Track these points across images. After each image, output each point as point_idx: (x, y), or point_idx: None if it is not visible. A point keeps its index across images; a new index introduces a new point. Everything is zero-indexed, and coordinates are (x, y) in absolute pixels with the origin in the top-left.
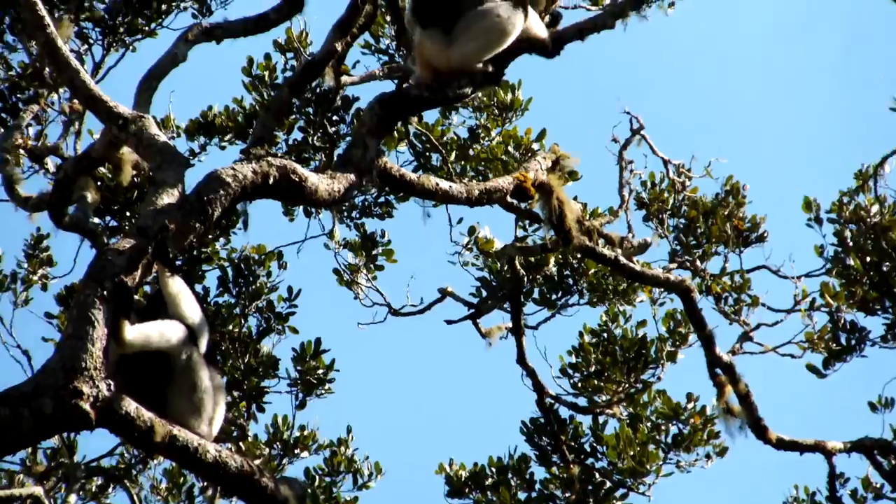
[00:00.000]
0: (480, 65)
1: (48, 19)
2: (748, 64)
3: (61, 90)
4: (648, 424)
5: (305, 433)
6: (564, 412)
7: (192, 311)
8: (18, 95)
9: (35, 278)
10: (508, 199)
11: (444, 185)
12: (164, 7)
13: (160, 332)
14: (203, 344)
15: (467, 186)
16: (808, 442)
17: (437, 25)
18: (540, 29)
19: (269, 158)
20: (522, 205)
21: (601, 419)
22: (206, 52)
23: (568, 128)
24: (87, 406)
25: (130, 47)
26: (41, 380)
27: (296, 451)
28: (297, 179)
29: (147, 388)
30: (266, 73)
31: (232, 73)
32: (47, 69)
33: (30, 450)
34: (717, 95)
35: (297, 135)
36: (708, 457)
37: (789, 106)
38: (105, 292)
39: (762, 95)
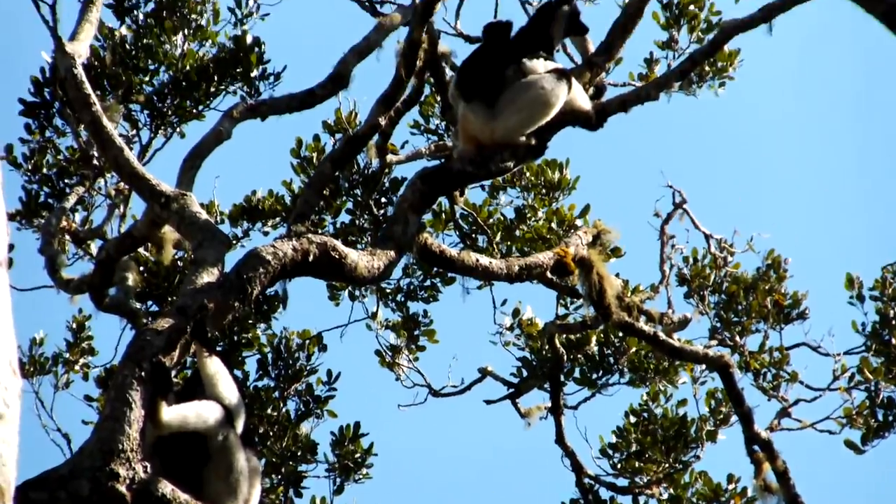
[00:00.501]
0: (524, 138)
1: (94, 98)
2: (792, 136)
3: (108, 175)
4: None
5: None
6: (605, 492)
7: (230, 391)
8: (66, 180)
9: (76, 367)
10: (549, 274)
11: (485, 261)
12: (212, 89)
13: (197, 413)
14: (240, 425)
15: (507, 262)
16: None
17: (481, 99)
18: (584, 101)
19: (310, 235)
20: (563, 281)
21: (641, 500)
22: (250, 131)
23: (611, 202)
24: (123, 488)
25: (178, 130)
26: (78, 462)
27: None
28: (336, 256)
29: (183, 469)
30: (314, 154)
31: (277, 152)
32: (94, 152)
33: None
34: (761, 169)
35: (344, 217)
36: None
37: (834, 181)
38: (143, 373)
39: (807, 169)
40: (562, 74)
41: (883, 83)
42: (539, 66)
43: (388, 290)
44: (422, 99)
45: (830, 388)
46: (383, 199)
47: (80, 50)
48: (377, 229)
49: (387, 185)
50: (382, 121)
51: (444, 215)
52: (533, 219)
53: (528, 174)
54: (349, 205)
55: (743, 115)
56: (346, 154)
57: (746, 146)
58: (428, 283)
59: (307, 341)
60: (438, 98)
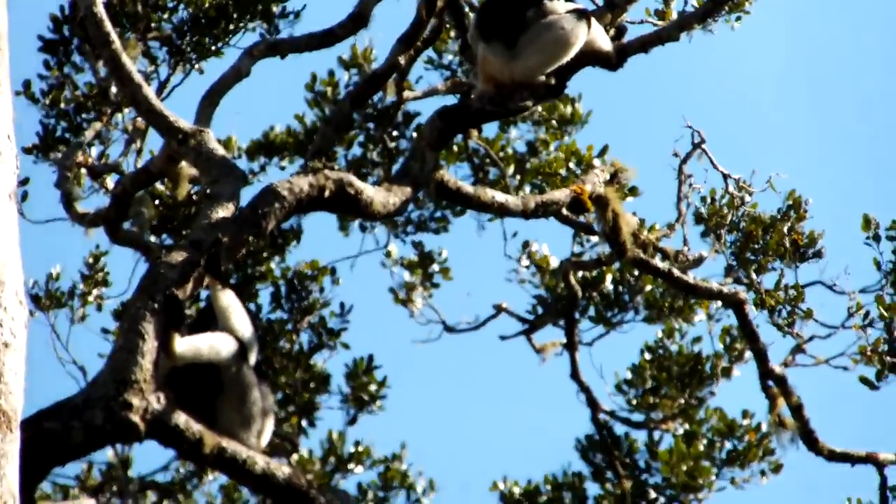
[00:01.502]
0: (543, 77)
1: (113, 35)
2: (813, 79)
3: (126, 110)
4: (704, 441)
5: (360, 448)
6: (619, 429)
7: (243, 324)
8: (83, 115)
9: (91, 299)
10: (564, 211)
11: (501, 197)
12: (231, 27)
13: (210, 345)
14: (253, 357)
15: (523, 199)
16: (860, 454)
17: (501, 39)
18: (604, 41)
19: (326, 171)
20: (578, 218)
21: (656, 435)
22: (269, 68)
23: (629, 142)
24: (136, 418)
25: (196, 67)
26: (91, 392)
27: (349, 467)
28: (352, 192)
29: (197, 400)
30: (329, 88)
31: (295, 89)
32: (113, 89)
33: (85, 465)
34: (781, 110)
35: (356, 150)
36: (762, 473)
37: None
38: (157, 305)
39: (825, 108)
40: (581, 14)
41: None
42: (559, 6)
43: (399, 222)
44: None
45: (845, 325)
46: (395, 133)
47: None
48: (390, 162)
49: (399, 118)
50: (402, 60)
51: (456, 148)
52: (545, 153)
53: (539, 109)
54: (361, 138)
55: (761, 54)
56: (364, 92)
57: (764, 86)
58: (438, 214)
59: (318, 272)
60: (454, 35)
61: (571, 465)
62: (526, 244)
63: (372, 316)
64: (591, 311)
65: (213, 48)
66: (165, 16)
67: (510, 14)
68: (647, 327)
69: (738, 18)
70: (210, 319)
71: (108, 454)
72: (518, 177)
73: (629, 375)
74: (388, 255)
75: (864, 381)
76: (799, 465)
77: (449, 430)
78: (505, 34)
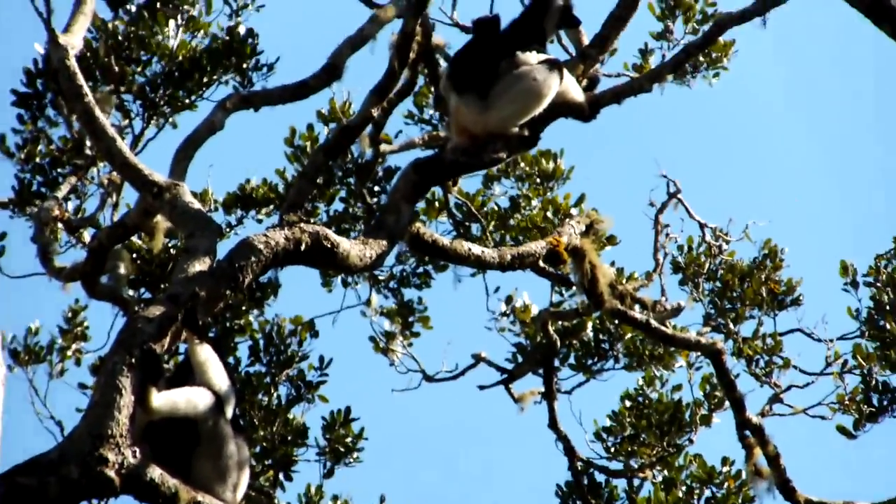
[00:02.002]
0: (516, 129)
1: (86, 88)
2: (786, 126)
3: (101, 164)
4: (683, 488)
5: (338, 503)
6: (600, 475)
7: (220, 378)
8: (58, 170)
9: (69, 353)
10: (541, 263)
11: (477, 249)
12: (205, 80)
13: (187, 399)
14: (230, 411)
15: (500, 252)
16: (837, 503)
17: (473, 90)
18: (577, 93)
19: (302, 225)
20: (556, 270)
21: (636, 482)
22: (243, 121)
23: (605, 191)
24: (112, 473)
25: (170, 121)
26: (67, 447)
27: None
28: (328, 245)
29: (173, 454)
30: (308, 143)
31: (271, 142)
32: (87, 142)
33: None
34: (756, 158)
35: (338, 205)
36: None
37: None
38: (134, 359)
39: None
40: (553, 65)
41: (873, 75)
42: (531, 57)
43: (381, 278)
44: (416, 90)
45: (823, 373)
46: (377, 188)
47: (74, 42)
48: (370, 217)
49: (380, 173)
50: (375, 112)
51: (437, 203)
52: (527, 208)
53: (522, 164)
54: (342, 193)
55: (737, 105)
56: (338, 144)
57: (741, 136)
58: (421, 269)
59: (299, 327)
60: (432, 89)
61: None
62: (509, 299)
63: (352, 366)
64: (572, 359)
65: (187, 101)
66: (139, 69)
67: (482, 65)
68: (628, 375)
69: (717, 74)
70: (188, 373)
71: None
72: (501, 232)
73: (608, 423)
74: (368, 303)
75: (841, 430)
76: None
77: (429, 479)
78: (477, 85)
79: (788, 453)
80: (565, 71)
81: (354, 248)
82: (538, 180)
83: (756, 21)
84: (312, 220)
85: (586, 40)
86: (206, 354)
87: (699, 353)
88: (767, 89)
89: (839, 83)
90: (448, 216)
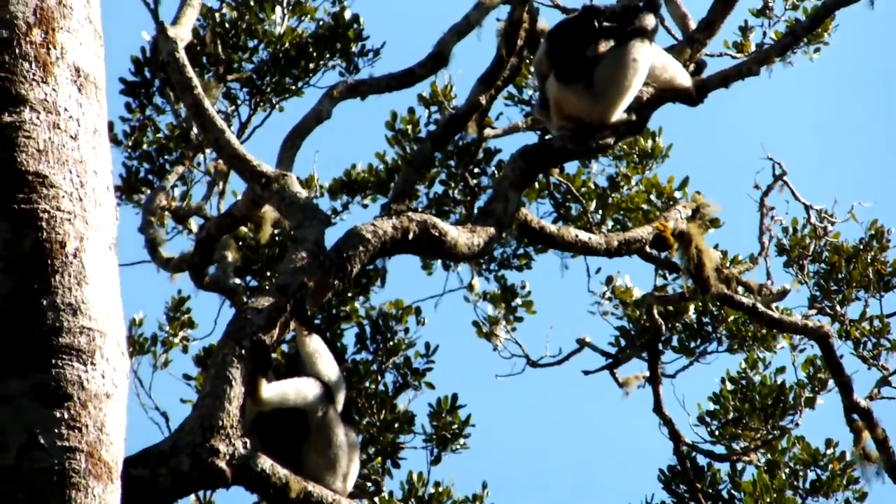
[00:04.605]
0: (625, 114)
1: (196, 80)
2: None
3: (207, 151)
4: (787, 471)
5: (440, 489)
6: (702, 459)
7: (329, 368)
8: (165, 157)
9: (175, 341)
10: (647, 249)
11: (584, 236)
12: (311, 66)
13: (297, 390)
14: (339, 401)
15: (606, 237)
16: None
17: (581, 81)
18: (684, 78)
19: (410, 213)
20: (662, 254)
21: (739, 466)
22: (350, 109)
23: (710, 175)
24: (223, 464)
25: (277, 107)
26: (178, 438)
27: None
28: (436, 234)
29: (283, 445)
30: (409, 126)
31: (375, 129)
32: (194, 130)
33: None
34: (862, 138)
35: (438, 188)
36: (847, 503)
37: None
38: (243, 351)
39: None
40: (642, 34)
41: None
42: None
43: (482, 260)
44: None
45: None
46: (477, 170)
47: (182, 34)
48: (471, 200)
49: (481, 156)
50: (483, 100)
51: (537, 185)
52: (626, 187)
53: (620, 143)
54: (443, 175)
55: (840, 83)
56: (446, 133)
57: (844, 114)
58: (521, 251)
59: (402, 311)
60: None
61: (655, 496)
62: (610, 279)
63: (455, 351)
64: (674, 342)
65: (294, 87)
66: (246, 56)
67: (579, 51)
68: (730, 357)
69: (817, 50)
70: (297, 364)
71: (190, 500)
72: (600, 212)
73: (711, 406)
74: (470, 289)
75: None
76: (885, 496)
77: (532, 466)
78: (584, 75)
79: None
80: (672, 57)
81: (462, 237)
82: (636, 159)
83: (864, 2)
84: (413, 203)
85: (693, 25)
86: (315, 345)
87: (804, 336)
88: (870, 63)
89: None
90: (549, 197)
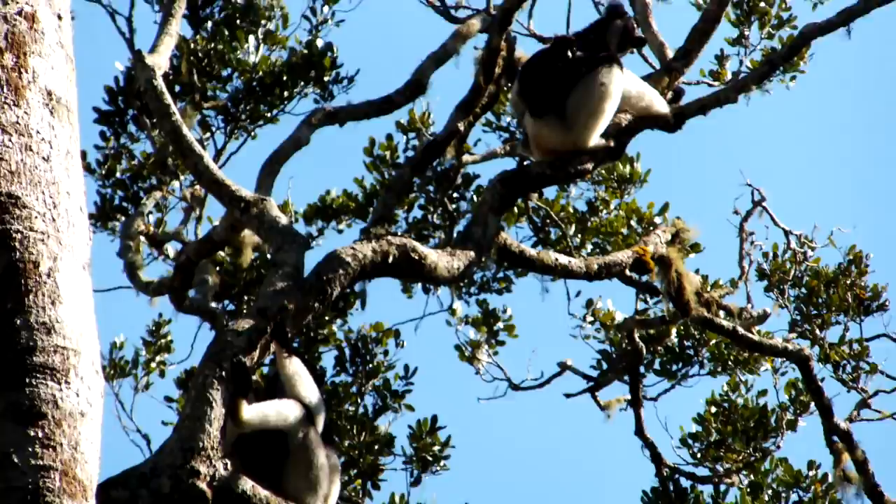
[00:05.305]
0: (602, 140)
1: (174, 107)
2: (867, 129)
3: (182, 178)
4: (769, 492)
5: None
6: (685, 481)
7: (310, 390)
8: (140, 185)
9: (153, 365)
10: (627, 272)
11: (563, 259)
12: (285, 94)
13: (277, 412)
14: (320, 423)
15: (586, 261)
16: None
17: (552, 112)
18: (661, 105)
19: (390, 237)
20: (642, 278)
21: (722, 488)
22: (326, 136)
23: (690, 200)
24: (203, 485)
25: (251, 134)
26: (159, 460)
27: None
28: (416, 257)
29: (263, 466)
30: (388, 152)
31: (351, 155)
32: (170, 158)
33: None
34: (840, 164)
35: (417, 213)
36: None
37: None
38: (224, 373)
39: (884, 161)
40: (610, 62)
41: None
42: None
43: (461, 284)
44: None
45: None
46: (456, 195)
47: (160, 62)
48: (450, 225)
49: (459, 181)
50: (461, 126)
51: (516, 209)
52: (605, 212)
53: (598, 168)
54: (421, 200)
55: (817, 109)
56: (425, 160)
57: (822, 140)
58: (501, 275)
59: (381, 334)
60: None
61: None
62: (590, 302)
63: (437, 374)
64: (656, 365)
65: (269, 115)
66: (220, 85)
67: (555, 85)
68: (712, 381)
69: (793, 78)
70: (276, 387)
71: None
72: (579, 236)
73: (694, 429)
74: (452, 313)
75: None
76: None
77: (515, 487)
78: (555, 107)
79: (876, 458)
80: (650, 86)
81: (442, 260)
82: (615, 183)
83: (840, 31)
84: (393, 228)
85: (670, 54)
86: (294, 367)
87: (785, 360)
88: (846, 92)
89: None
90: (528, 221)
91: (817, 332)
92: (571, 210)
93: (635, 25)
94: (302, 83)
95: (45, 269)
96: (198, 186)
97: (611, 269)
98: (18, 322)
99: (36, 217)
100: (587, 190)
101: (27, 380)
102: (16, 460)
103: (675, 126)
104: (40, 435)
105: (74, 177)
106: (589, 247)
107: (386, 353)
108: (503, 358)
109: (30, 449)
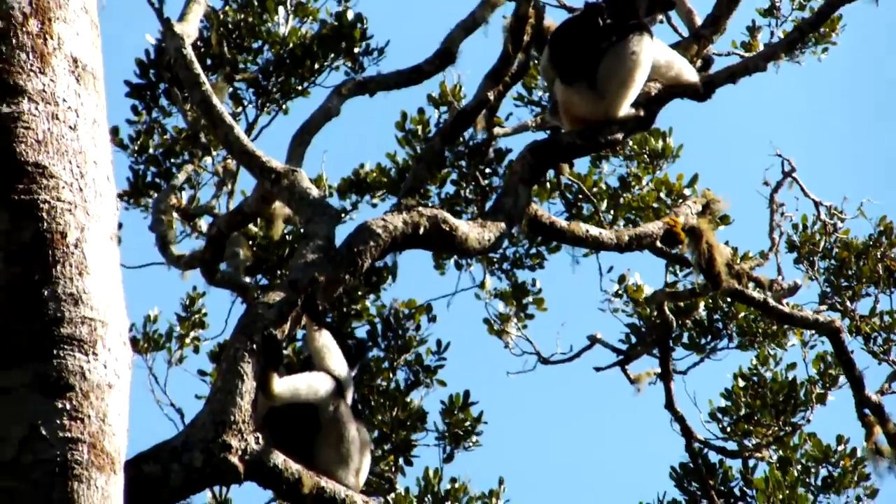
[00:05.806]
0: (633, 109)
1: (203, 77)
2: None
3: (214, 153)
4: (798, 467)
5: (456, 485)
6: (714, 456)
7: (339, 364)
8: (172, 160)
9: (188, 341)
10: (658, 244)
11: (594, 231)
12: (316, 66)
13: (308, 385)
14: (349, 396)
15: (617, 233)
16: None
17: (584, 80)
18: (690, 73)
19: (420, 208)
20: (672, 250)
21: (751, 463)
22: (358, 107)
23: (719, 172)
24: (235, 459)
25: (283, 108)
26: (191, 434)
27: None
28: (447, 229)
29: (294, 439)
30: (419, 127)
31: (383, 127)
32: (201, 132)
33: None
34: (871, 135)
35: (449, 188)
36: (858, 499)
37: None
38: (255, 346)
39: None
40: (641, 29)
41: None
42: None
43: (494, 259)
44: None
45: None
46: (488, 170)
47: (189, 30)
48: (482, 199)
49: (491, 155)
50: (491, 95)
51: (548, 184)
52: (637, 187)
53: (631, 143)
54: (454, 175)
55: (848, 81)
56: (455, 129)
57: (852, 111)
58: (533, 250)
59: (414, 310)
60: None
61: (667, 493)
62: (622, 278)
63: (467, 349)
64: (685, 339)
65: (300, 87)
66: (250, 57)
67: (586, 52)
68: (741, 354)
69: (825, 50)
70: (308, 360)
71: (206, 496)
72: (611, 212)
73: (723, 403)
74: (482, 286)
75: None
76: None
77: (545, 461)
78: (586, 74)
79: None
80: (679, 54)
81: (473, 231)
82: (647, 159)
83: None
84: (426, 203)
85: (699, 21)
86: (324, 340)
87: (814, 332)
88: (879, 62)
89: None
90: (560, 197)
91: (848, 304)
92: (604, 186)
93: None
94: (332, 55)
95: (72, 239)
96: (229, 160)
97: (641, 240)
98: (46, 293)
99: (63, 187)
100: (619, 166)
101: (54, 351)
102: (44, 432)
103: (704, 95)
104: (68, 407)
105: (101, 146)
106: (621, 222)
107: (418, 327)
108: (532, 332)
109: (58, 421)
